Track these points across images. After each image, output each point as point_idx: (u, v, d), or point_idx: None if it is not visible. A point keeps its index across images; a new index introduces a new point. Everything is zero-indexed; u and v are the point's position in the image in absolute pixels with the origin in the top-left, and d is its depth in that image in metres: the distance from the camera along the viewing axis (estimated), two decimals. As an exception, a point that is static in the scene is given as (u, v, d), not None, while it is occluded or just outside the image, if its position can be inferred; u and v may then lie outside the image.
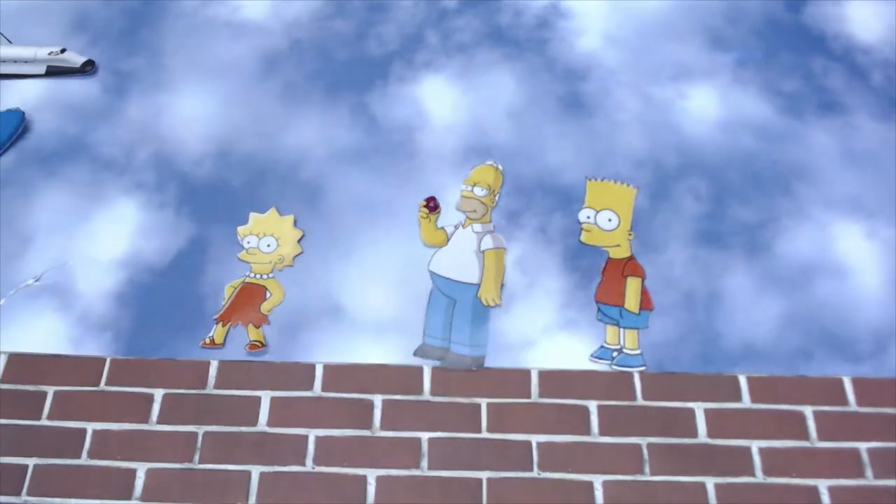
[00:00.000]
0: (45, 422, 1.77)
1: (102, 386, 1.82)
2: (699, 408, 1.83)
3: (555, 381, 1.85)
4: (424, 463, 1.73)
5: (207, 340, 1.84)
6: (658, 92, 2.39)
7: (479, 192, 2.05)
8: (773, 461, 1.76)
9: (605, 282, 1.96)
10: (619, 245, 2.01)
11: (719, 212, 2.15)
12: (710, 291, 2.01)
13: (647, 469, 1.74)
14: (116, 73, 2.39)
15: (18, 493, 1.67)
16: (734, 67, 2.45)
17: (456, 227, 2.03)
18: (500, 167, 2.07)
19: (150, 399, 1.80)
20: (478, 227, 2.03)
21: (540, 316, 1.96)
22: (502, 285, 1.97)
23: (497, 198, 2.04)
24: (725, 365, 1.89)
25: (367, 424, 1.77)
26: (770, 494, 1.71)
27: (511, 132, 2.28)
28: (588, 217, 2.04)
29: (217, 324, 1.87)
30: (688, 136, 2.29)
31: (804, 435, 1.80)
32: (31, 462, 1.72)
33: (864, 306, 1.98)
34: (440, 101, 2.35)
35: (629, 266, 1.98)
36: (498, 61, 2.44)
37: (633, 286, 1.94)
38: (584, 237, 2.01)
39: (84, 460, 1.72)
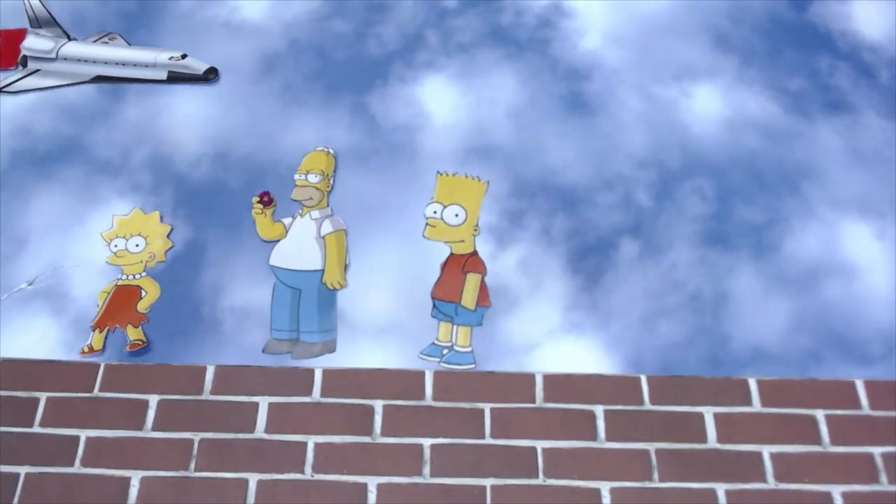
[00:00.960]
0: (37, 429, 1.73)
1: (96, 392, 1.78)
2: (708, 412, 1.79)
3: (560, 385, 1.81)
4: (427, 470, 1.68)
5: (86, 348, 1.80)
6: (661, 91, 2.35)
7: (312, 178, 2.03)
8: (785, 467, 1.72)
9: (444, 278, 1.92)
10: (463, 241, 1.97)
11: (725, 212, 2.11)
12: (716, 293, 1.97)
13: (655, 475, 1.70)
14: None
15: (10, 502, 1.63)
16: (739, 66, 2.41)
17: (294, 218, 2.00)
18: (332, 151, 2.05)
19: (144, 405, 1.76)
20: (316, 213, 2.00)
21: (544, 319, 1.91)
22: (346, 266, 1.94)
23: (332, 182, 2.00)
24: (734, 368, 1.85)
25: (368, 430, 1.73)
26: (782, 501, 1.67)
27: (513, 132, 2.25)
28: (435, 212, 2.00)
29: (94, 331, 1.82)
30: (692, 136, 2.26)
31: (816, 439, 1.75)
32: (23, 470, 1.67)
33: (874, 307, 1.94)
34: (441, 101, 2.31)
35: (470, 262, 1.93)
36: (499, 61, 2.41)
37: (472, 282, 1.90)
38: (427, 232, 1.97)
39: (77, 468, 1.68)
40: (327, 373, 1.82)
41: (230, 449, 1.70)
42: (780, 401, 1.81)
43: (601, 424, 1.76)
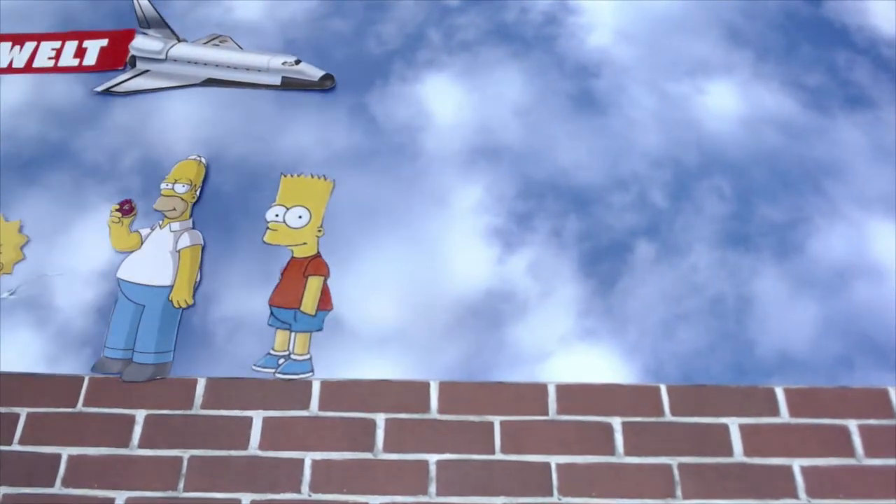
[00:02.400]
0: (16, 447, 1.63)
1: (79, 407, 1.68)
2: (733, 423, 1.67)
3: (574, 395, 1.70)
4: (433, 488, 1.58)
5: None
6: (674, 88, 2.26)
7: (179, 188, 1.93)
8: (818, 481, 1.60)
9: (283, 283, 1.82)
10: (305, 243, 1.88)
11: (746, 212, 2.00)
12: (739, 296, 1.86)
13: (678, 491, 1.58)
14: (102, 77, 2.26)
15: (-14, 527, 1.52)
16: (754, 62, 2.32)
17: (152, 229, 1.90)
18: (203, 160, 1.95)
19: (130, 421, 1.65)
20: (176, 225, 1.90)
21: (556, 326, 1.81)
22: (197, 284, 1.83)
23: (198, 192, 1.90)
24: (760, 376, 1.74)
25: (369, 446, 1.63)
26: (818, 519, 1.55)
27: (520, 131, 2.15)
28: (277, 215, 1.91)
29: None
30: (708, 133, 2.16)
31: (850, 451, 1.64)
32: (0, 491, 1.56)
33: (906, 310, 1.83)
34: (444, 100, 2.22)
35: (312, 265, 1.84)
36: (504, 59, 2.32)
37: (313, 286, 1.80)
38: (268, 237, 1.88)
39: (58, 488, 1.58)
40: (326, 385, 1.71)
41: (222, 467, 1.60)
42: (809, 410, 1.70)
43: (619, 438, 1.65)
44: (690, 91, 2.25)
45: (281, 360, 1.71)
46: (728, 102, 2.23)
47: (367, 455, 1.62)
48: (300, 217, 1.89)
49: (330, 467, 1.60)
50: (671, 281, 1.87)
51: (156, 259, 1.84)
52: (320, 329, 1.76)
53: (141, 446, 1.63)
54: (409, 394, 1.70)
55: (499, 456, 1.62)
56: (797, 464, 1.63)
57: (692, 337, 1.79)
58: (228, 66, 2.19)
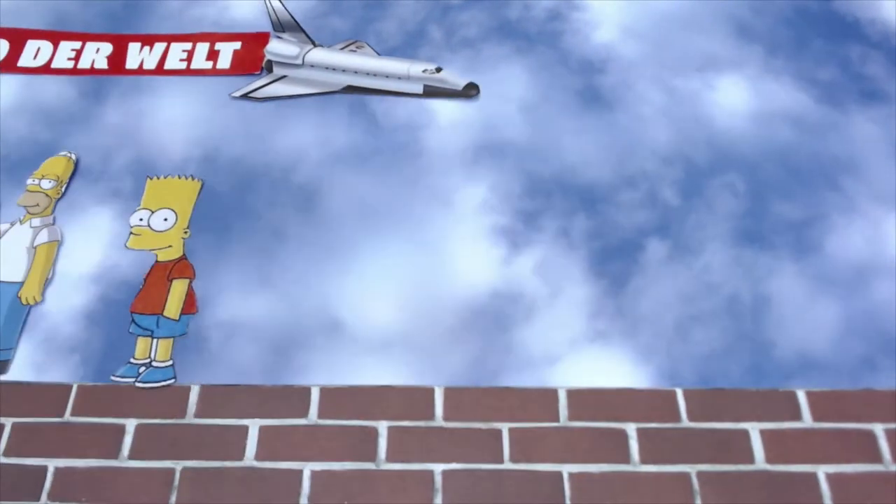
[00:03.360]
0: (0, 458, 1.54)
1: (67, 417, 1.60)
2: (754, 428, 1.59)
3: (586, 401, 1.62)
4: (438, 500, 1.51)
5: None
6: (683, 84, 2.19)
7: (45, 184, 1.87)
8: (845, 489, 1.52)
9: (146, 288, 1.75)
10: (170, 246, 1.82)
11: (760, 209, 1.93)
12: (756, 296, 1.78)
13: (698, 501, 1.50)
14: (94, 77, 2.20)
15: (-31, 543, 1.45)
16: (764, 56, 2.26)
17: (12, 224, 1.83)
18: (73, 157, 1.90)
19: (120, 430, 1.58)
20: (37, 221, 1.84)
21: (566, 328, 1.73)
22: (48, 281, 1.77)
23: (64, 188, 1.85)
24: (780, 379, 1.66)
25: (371, 456, 1.56)
26: (847, 528, 1.47)
27: (525, 129, 2.09)
28: (141, 220, 1.85)
29: None
30: (719, 130, 2.10)
31: (877, 457, 1.56)
32: (-18, 507, 1.49)
33: (931, 309, 1.75)
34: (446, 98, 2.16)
35: (177, 268, 1.78)
36: (507, 55, 2.26)
37: (178, 289, 1.74)
38: (131, 242, 1.82)
39: (44, 502, 1.51)
40: (325, 391, 1.64)
41: (217, 479, 1.53)
42: (833, 414, 1.62)
43: (634, 445, 1.57)
44: (700, 87, 2.19)
45: (142, 369, 1.64)
46: (739, 98, 2.17)
47: (369, 465, 1.54)
48: (165, 220, 1.84)
49: (330, 478, 1.53)
50: (685, 280, 1.80)
51: (10, 255, 1.78)
52: (184, 334, 1.69)
53: (131, 457, 1.56)
54: (413, 400, 1.63)
55: (508, 465, 1.55)
56: (822, 470, 1.55)
57: (708, 338, 1.71)
58: (367, 74, 2.12)
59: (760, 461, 1.56)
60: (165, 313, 1.70)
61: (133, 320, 1.71)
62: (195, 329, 1.72)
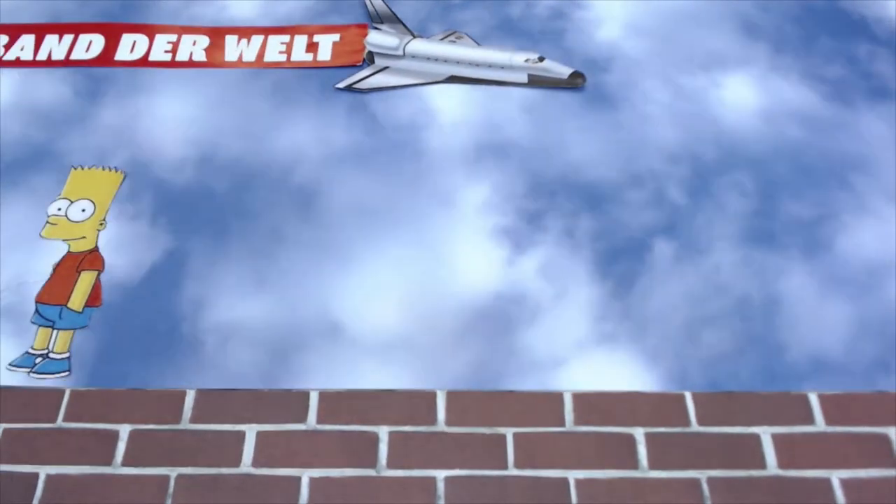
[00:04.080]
0: (-10, 467, 1.50)
1: (59, 422, 1.56)
2: (765, 433, 1.55)
3: (592, 405, 1.58)
4: (441, 507, 1.46)
5: None
6: (689, 82, 2.16)
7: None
8: (860, 494, 1.48)
9: (54, 279, 1.72)
10: (84, 237, 1.79)
11: (769, 208, 1.90)
12: (766, 297, 1.74)
13: (708, 508, 1.45)
14: (90, 76, 2.17)
15: (-43, 554, 1.40)
16: (771, 54, 2.22)
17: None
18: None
19: (114, 436, 1.54)
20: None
21: (571, 330, 1.69)
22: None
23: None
24: (792, 381, 1.62)
25: (372, 462, 1.51)
26: (863, 536, 1.42)
27: (528, 128, 2.05)
28: (59, 209, 1.82)
29: None
30: (726, 127, 2.06)
31: (892, 462, 1.53)
32: (-29, 515, 1.45)
33: (945, 309, 1.71)
34: (448, 97, 2.13)
35: (88, 259, 1.75)
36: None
37: (85, 281, 1.71)
38: (45, 231, 1.79)
39: (35, 512, 1.45)
40: (324, 396, 1.59)
41: (212, 486, 1.48)
42: (846, 418, 1.57)
43: (642, 450, 1.52)
44: (706, 85, 2.16)
45: (38, 360, 1.61)
46: (746, 96, 2.13)
47: (370, 472, 1.50)
48: (83, 210, 1.81)
49: (329, 485, 1.48)
50: (693, 281, 1.76)
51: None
52: (85, 326, 1.66)
53: (125, 464, 1.51)
54: (415, 405, 1.59)
55: (512, 471, 1.50)
56: (836, 476, 1.50)
57: (718, 340, 1.67)
58: (470, 64, 2.11)
59: (772, 466, 1.51)
60: (69, 305, 1.67)
61: (37, 310, 1.68)
62: (189, 332, 1.68)
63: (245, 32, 2.24)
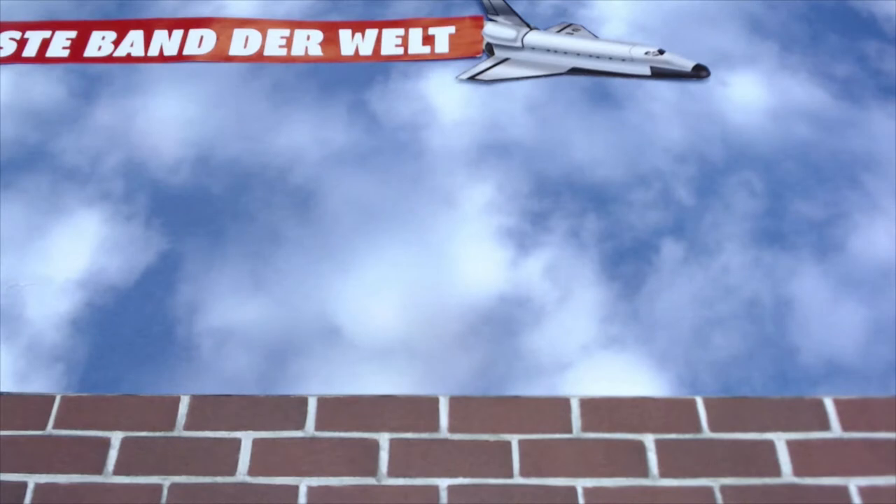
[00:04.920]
0: (-23, 476, 1.45)
1: (49, 429, 1.51)
2: (779, 439, 1.50)
3: (600, 410, 1.53)
4: (444, 516, 1.40)
5: None
6: (695, 80, 2.11)
7: None
8: (879, 502, 1.41)
9: None
10: None
11: (779, 208, 1.85)
12: (778, 298, 1.69)
13: (722, 517, 1.40)
14: (84, 76, 2.13)
15: (-58, 567, 1.35)
16: (779, 52, 2.18)
17: None
18: None
19: (105, 444, 1.49)
20: None
21: (577, 333, 1.64)
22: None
23: None
24: (806, 386, 1.56)
25: (372, 470, 1.46)
26: (884, 547, 1.37)
27: (531, 127, 2.00)
28: None
29: None
30: (733, 126, 2.01)
31: (911, 469, 1.46)
32: (-43, 527, 1.40)
33: (962, 312, 1.66)
34: (449, 96, 2.08)
35: None
36: (513, 52, 2.17)
37: None
38: None
39: (23, 523, 1.40)
40: (323, 401, 1.54)
41: (207, 495, 1.43)
42: (863, 423, 1.53)
43: (653, 457, 1.47)
44: (712, 83, 2.12)
45: None
46: (753, 94, 2.09)
47: (370, 480, 1.45)
48: None
49: (328, 494, 1.43)
50: (702, 283, 1.71)
51: None
52: None
53: (116, 472, 1.46)
54: (416, 411, 1.54)
55: (518, 480, 1.45)
56: (853, 483, 1.45)
57: (729, 344, 1.62)
58: (590, 56, 2.09)
59: (787, 474, 1.46)
60: None
61: None
62: (184, 336, 1.63)
63: (359, 26, 2.21)
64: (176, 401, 1.54)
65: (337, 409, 1.54)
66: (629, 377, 1.57)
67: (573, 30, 2.18)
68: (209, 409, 1.53)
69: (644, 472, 1.46)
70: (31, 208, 1.84)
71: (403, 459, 1.48)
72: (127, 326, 1.65)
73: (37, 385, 1.57)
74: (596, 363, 1.60)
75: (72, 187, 1.89)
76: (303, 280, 1.72)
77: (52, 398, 1.55)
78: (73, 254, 1.76)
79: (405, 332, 1.65)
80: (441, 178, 1.90)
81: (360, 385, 1.57)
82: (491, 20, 2.22)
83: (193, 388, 1.56)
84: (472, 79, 2.06)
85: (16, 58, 2.13)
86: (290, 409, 1.53)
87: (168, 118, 2.02)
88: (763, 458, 1.48)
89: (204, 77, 2.11)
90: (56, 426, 1.52)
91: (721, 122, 2.02)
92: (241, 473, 1.46)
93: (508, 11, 2.22)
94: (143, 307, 1.67)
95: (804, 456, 1.48)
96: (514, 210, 1.84)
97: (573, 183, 1.89)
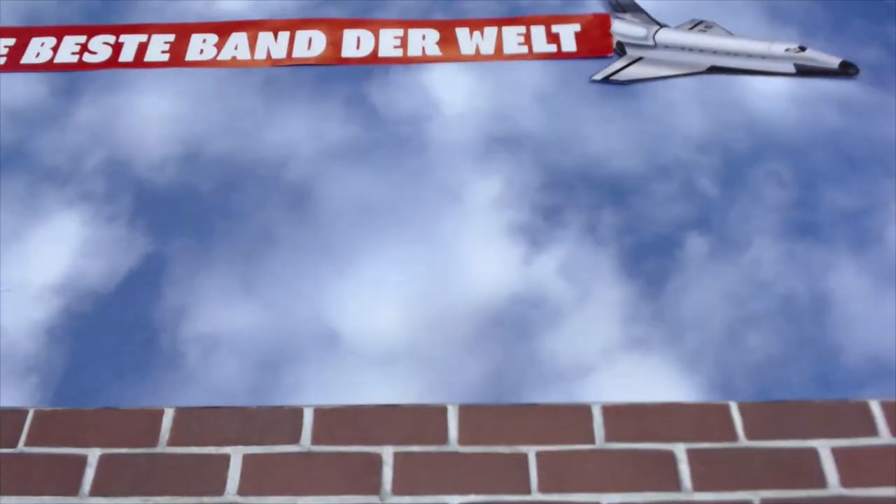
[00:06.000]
0: (-60, 499, 1.33)
1: (20, 447, 1.40)
2: (823, 446, 1.37)
3: (625, 418, 1.40)
4: (455, 538, 1.28)
5: None
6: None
7: None
8: (938, 517, 1.28)
9: None
10: None
11: (811, 198, 1.73)
12: (814, 294, 1.57)
13: (764, 535, 1.27)
14: (68, 73, 2.02)
15: None
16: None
17: None
18: None
19: (82, 462, 1.37)
20: None
21: (597, 335, 1.52)
22: None
23: None
24: (850, 388, 1.44)
25: (375, 488, 1.34)
26: (950, 566, 1.23)
27: (542, 118, 1.89)
28: None
29: None
30: (758, 114, 1.90)
31: (970, 478, 1.32)
32: (-83, 556, 1.27)
33: None
34: (453, 87, 1.98)
35: None
36: (519, 42, 2.07)
37: None
38: None
39: (-10, 550, 1.28)
40: (320, 413, 1.42)
41: (193, 518, 1.29)
42: (914, 429, 1.39)
43: (684, 469, 1.34)
44: (733, 70, 2.00)
45: None
46: (777, 81, 1.98)
47: (373, 499, 1.33)
48: None
49: (326, 515, 1.30)
50: (732, 279, 1.58)
51: None
52: None
53: (93, 493, 1.34)
54: (423, 421, 1.42)
55: (536, 496, 1.33)
56: (908, 495, 1.31)
57: (763, 343, 1.49)
58: (728, 53, 2.01)
59: (834, 484, 1.33)
60: None
61: None
62: (169, 343, 1.50)
63: (476, 24, 2.12)
64: (159, 414, 1.43)
65: (335, 421, 1.42)
66: (656, 381, 1.45)
67: (706, 27, 2.09)
68: (195, 422, 1.42)
69: (675, 485, 1.33)
70: (6, 210, 1.72)
71: (409, 475, 1.36)
72: (107, 334, 1.53)
73: (7, 398, 1.45)
74: (619, 367, 1.47)
75: (50, 187, 1.78)
76: (298, 282, 1.60)
77: (25, 412, 1.44)
78: (50, 257, 1.65)
79: (409, 337, 1.53)
80: (446, 172, 1.79)
81: (360, 394, 1.45)
82: (618, 18, 2.13)
83: (178, 399, 1.45)
84: (607, 79, 1.96)
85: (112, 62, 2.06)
86: (283, 422, 1.42)
87: (153, 114, 1.92)
88: (806, 468, 1.34)
89: (190, 72, 2.00)
90: (28, 443, 1.40)
91: (745, 110, 1.91)
92: (231, 493, 1.33)
93: (636, 9, 2.14)
94: (125, 313, 1.56)
95: (851, 464, 1.35)
96: (524, 205, 1.72)
97: (588, 175, 1.77)
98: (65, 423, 1.42)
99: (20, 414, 1.43)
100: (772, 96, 1.94)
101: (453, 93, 1.96)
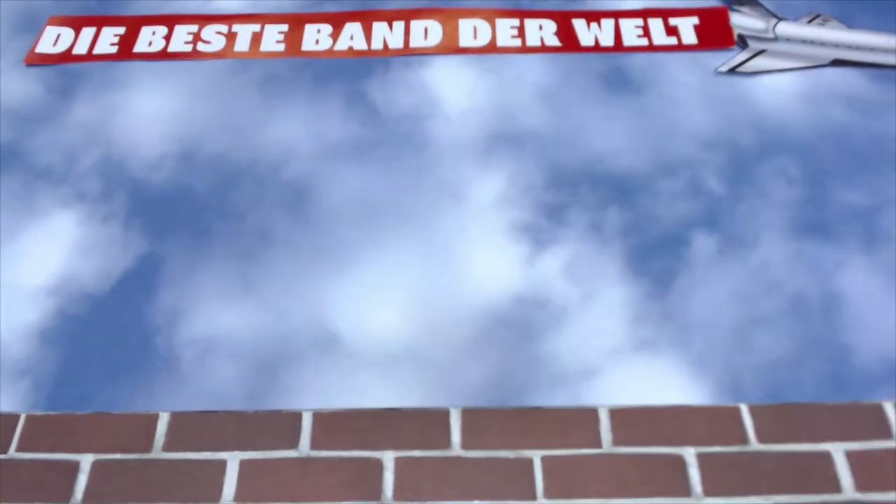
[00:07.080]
0: (-71, 507, 1.29)
1: (11, 453, 1.37)
2: (837, 450, 1.33)
3: (633, 421, 1.37)
4: (458, 546, 1.24)
5: None
6: (720, 62, 1.96)
7: None
8: (956, 523, 1.24)
9: None
10: None
11: (820, 196, 1.69)
12: (825, 293, 1.53)
13: (777, 542, 1.23)
14: (63, 72, 1.99)
15: None
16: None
17: None
18: None
19: (74, 468, 1.34)
20: None
21: (604, 336, 1.48)
22: None
23: None
24: (863, 389, 1.40)
25: (375, 493, 1.31)
26: (971, 574, 1.19)
27: (545, 115, 1.86)
28: None
29: None
30: (764, 111, 1.87)
31: None
32: None
33: None
34: (454, 84, 1.94)
35: None
36: (522, 38, 2.03)
37: None
38: None
39: (-21, 560, 1.24)
40: (319, 417, 1.39)
41: (188, 526, 1.26)
42: (930, 431, 1.35)
43: (694, 473, 1.30)
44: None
45: None
46: (784, 76, 1.93)
47: (374, 505, 1.28)
48: None
49: (326, 522, 1.26)
50: (740, 278, 1.54)
51: None
52: None
53: (86, 500, 1.31)
54: (424, 425, 1.39)
55: (541, 502, 1.30)
56: (925, 500, 1.27)
57: (774, 344, 1.45)
58: (850, 47, 2.01)
59: (848, 489, 1.29)
60: None
61: None
62: (164, 346, 1.47)
63: (593, 16, 2.11)
64: (154, 418, 1.39)
65: (335, 425, 1.39)
66: (664, 383, 1.41)
67: (823, 20, 2.09)
68: (191, 427, 1.38)
69: (685, 489, 1.29)
70: (2, 210, 1.69)
71: (411, 481, 1.32)
72: (101, 337, 1.49)
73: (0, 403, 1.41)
74: (626, 369, 1.43)
75: (45, 187, 1.74)
76: (296, 283, 1.57)
77: (16, 417, 1.40)
78: (43, 258, 1.61)
79: (410, 339, 1.50)
80: (447, 170, 1.76)
81: (360, 398, 1.42)
82: (735, 10, 2.12)
83: (174, 403, 1.41)
84: (733, 71, 1.96)
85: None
86: (281, 426, 1.38)
87: (149, 113, 1.88)
88: (820, 472, 1.31)
89: (186, 69, 1.97)
90: (19, 449, 1.37)
91: (751, 106, 1.88)
92: (227, 499, 1.30)
93: (753, 2, 2.13)
94: (120, 315, 1.52)
95: (866, 468, 1.31)
96: (527, 203, 1.68)
97: (592, 173, 1.73)
98: (57, 427, 1.38)
99: (11, 419, 1.40)
100: (780, 92, 1.90)
101: (453, 89, 1.92)
